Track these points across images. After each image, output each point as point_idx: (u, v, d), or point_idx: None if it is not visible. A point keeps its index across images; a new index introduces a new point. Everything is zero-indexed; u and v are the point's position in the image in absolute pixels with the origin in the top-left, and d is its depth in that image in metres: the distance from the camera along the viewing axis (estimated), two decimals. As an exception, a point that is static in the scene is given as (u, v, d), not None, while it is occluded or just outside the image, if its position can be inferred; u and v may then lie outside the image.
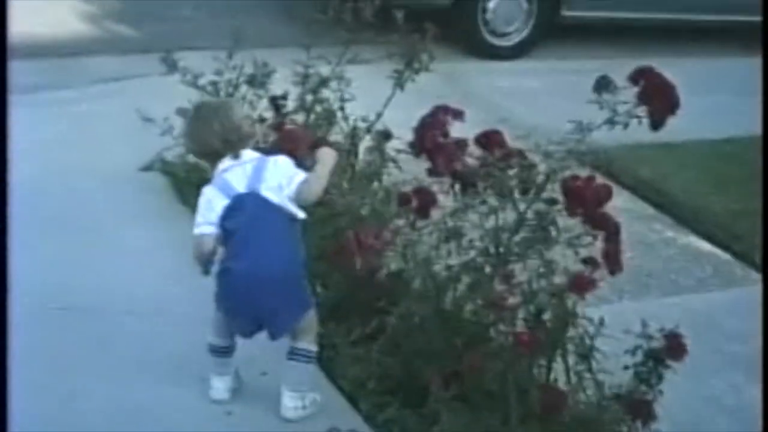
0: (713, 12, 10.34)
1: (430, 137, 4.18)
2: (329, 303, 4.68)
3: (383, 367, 4.32)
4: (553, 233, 4.13)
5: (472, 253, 4.16)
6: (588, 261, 4.01)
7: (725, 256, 6.38)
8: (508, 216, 4.26)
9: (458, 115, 4.31)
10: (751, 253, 6.25)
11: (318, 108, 5.92)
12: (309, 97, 5.93)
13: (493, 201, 4.25)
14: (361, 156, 5.53)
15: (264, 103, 6.04)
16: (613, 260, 3.93)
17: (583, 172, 6.65)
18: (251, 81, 6.22)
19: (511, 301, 3.83)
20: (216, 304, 4.25)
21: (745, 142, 7.55)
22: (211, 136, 4.18)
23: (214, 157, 4.21)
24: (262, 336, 4.25)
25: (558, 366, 4.04)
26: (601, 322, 3.99)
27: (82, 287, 5.12)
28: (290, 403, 4.27)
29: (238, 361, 4.39)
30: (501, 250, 4.15)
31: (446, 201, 4.47)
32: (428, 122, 4.26)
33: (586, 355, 3.97)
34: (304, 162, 4.30)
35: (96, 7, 10.06)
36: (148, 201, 6.18)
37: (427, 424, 4.07)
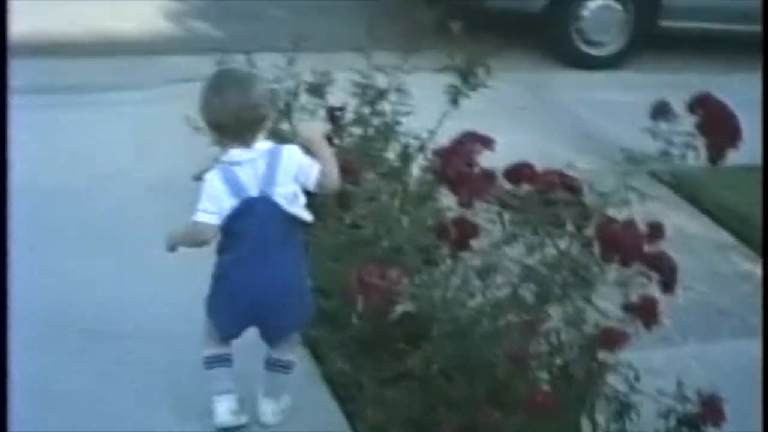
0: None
1: (454, 166, 3.83)
2: (359, 336, 4.38)
3: (406, 411, 3.99)
4: (596, 271, 3.77)
5: (505, 292, 3.81)
6: (629, 308, 3.64)
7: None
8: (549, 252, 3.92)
9: (488, 143, 3.95)
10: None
11: (375, 121, 5.63)
12: (367, 110, 5.64)
13: (531, 236, 3.90)
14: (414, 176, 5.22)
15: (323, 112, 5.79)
16: (649, 311, 3.55)
17: (661, 191, 6.43)
18: (312, 89, 5.95)
19: (535, 352, 3.47)
20: (207, 308, 4.07)
21: None
22: (224, 110, 3.88)
23: (224, 133, 3.91)
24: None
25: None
26: (636, 377, 3.62)
27: (91, 307, 4.89)
28: (268, 408, 4.18)
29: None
30: (537, 291, 3.79)
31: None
32: (453, 149, 3.90)
33: (620, 412, 3.60)
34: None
35: (182, 5, 9.88)
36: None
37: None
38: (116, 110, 7.34)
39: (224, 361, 4.13)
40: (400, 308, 3.96)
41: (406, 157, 5.27)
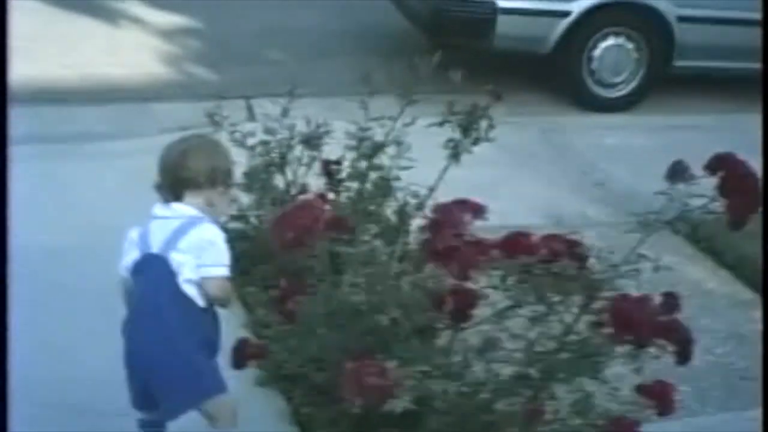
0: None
1: (442, 238, 3.48)
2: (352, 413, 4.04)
3: None
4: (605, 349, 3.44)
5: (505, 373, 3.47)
6: (642, 390, 3.31)
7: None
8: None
9: (479, 211, 3.59)
10: None
11: (373, 176, 5.31)
12: (364, 164, 5.33)
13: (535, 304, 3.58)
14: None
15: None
16: (664, 396, 3.22)
17: (676, 241, 6.07)
18: (306, 141, 5.65)
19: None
20: None
21: None
22: (158, 165, 3.86)
23: (157, 188, 3.86)
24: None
25: None
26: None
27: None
28: None
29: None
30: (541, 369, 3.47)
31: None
32: (441, 220, 3.56)
33: None
34: None
35: (180, 49, 9.59)
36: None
37: None
38: (114, 160, 7.08)
39: (150, 427, 3.88)
40: (399, 403, 3.58)
41: (403, 215, 4.93)
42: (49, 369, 4.68)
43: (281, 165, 5.65)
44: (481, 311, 3.77)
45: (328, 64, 9.20)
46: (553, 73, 9.19)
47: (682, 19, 9.01)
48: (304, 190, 5.50)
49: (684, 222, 3.88)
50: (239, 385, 4.15)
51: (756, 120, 7.51)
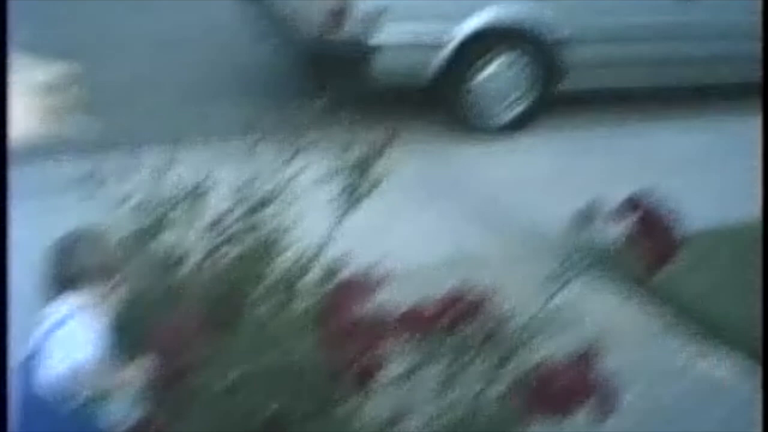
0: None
1: (336, 323, 3.17)
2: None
3: None
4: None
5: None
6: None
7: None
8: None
9: (366, 292, 3.23)
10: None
11: (252, 236, 4.93)
12: (243, 224, 4.97)
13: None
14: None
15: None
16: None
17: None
18: (187, 197, 5.29)
19: None
20: None
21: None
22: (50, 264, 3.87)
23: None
24: None
25: None
26: None
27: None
28: None
29: None
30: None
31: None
32: (331, 305, 3.23)
33: None
34: None
35: (59, 101, 9.13)
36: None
37: None
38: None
39: None
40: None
41: (291, 277, 4.58)
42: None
43: (156, 228, 5.26)
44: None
45: (213, 108, 8.87)
46: (437, 105, 8.97)
47: (562, 41, 8.84)
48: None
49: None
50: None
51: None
